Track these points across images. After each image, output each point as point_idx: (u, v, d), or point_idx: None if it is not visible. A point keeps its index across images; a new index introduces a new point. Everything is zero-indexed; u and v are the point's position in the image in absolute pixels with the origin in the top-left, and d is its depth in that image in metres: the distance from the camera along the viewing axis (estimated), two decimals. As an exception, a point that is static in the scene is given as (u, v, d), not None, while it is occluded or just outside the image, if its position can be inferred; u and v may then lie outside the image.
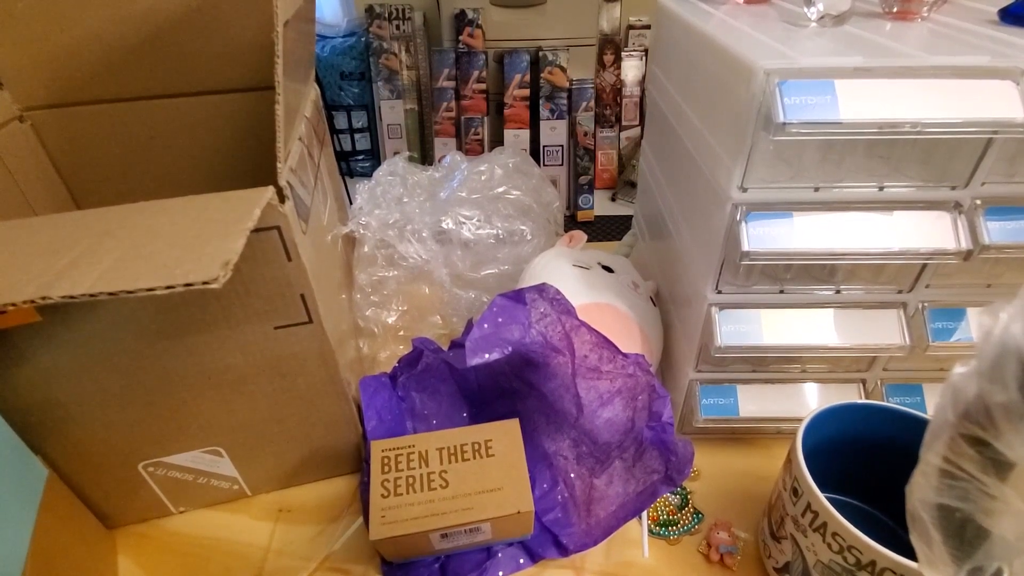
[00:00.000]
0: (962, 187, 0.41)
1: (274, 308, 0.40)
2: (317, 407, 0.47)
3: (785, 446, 0.42)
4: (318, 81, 0.63)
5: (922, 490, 0.28)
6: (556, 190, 0.77)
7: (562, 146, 0.92)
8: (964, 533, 0.27)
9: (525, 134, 0.92)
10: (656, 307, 0.59)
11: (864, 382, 0.51)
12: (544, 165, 0.92)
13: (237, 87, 0.58)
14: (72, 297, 0.27)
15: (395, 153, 0.89)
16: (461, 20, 0.89)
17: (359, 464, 0.53)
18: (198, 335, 0.39)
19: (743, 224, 0.40)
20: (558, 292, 0.47)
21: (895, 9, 0.47)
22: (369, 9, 0.91)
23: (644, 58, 0.96)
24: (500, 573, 0.45)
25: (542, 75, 0.89)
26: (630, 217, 0.85)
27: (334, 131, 0.97)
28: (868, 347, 0.46)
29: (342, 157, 1.00)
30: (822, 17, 0.45)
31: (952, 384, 0.27)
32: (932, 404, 0.50)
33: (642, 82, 0.96)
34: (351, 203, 0.70)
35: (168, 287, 0.27)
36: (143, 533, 0.49)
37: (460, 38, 0.90)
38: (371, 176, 0.73)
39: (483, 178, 0.72)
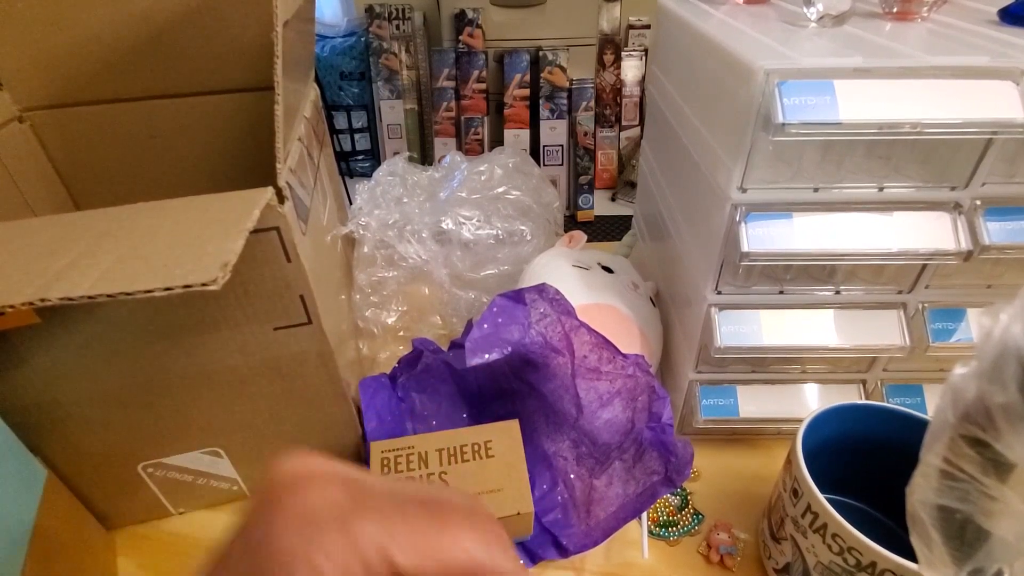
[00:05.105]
0: (962, 187, 0.41)
1: (273, 309, 0.40)
2: (317, 408, 0.47)
3: (785, 447, 0.42)
4: (318, 81, 0.63)
5: (922, 491, 0.28)
6: (556, 190, 0.77)
7: (562, 146, 0.92)
8: (964, 534, 0.27)
9: (525, 134, 0.92)
10: (656, 308, 0.59)
11: (864, 383, 0.51)
12: (544, 165, 0.92)
13: (237, 87, 0.58)
14: (70, 299, 0.27)
15: (395, 153, 0.89)
16: (461, 20, 0.89)
17: (359, 465, 0.52)
18: (197, 336, 0.39)
19: (743, 225, 0.40)
20: (558, 292, 0.47)
21: (895, 9, 0.47)
22: (369, 9, 0.91)
23: (644, 58, 0.96)
24: (500, 574, 0.45)
25: (542, 75, 0.89)
26: (630, 217, 0.85)
27: (334, 131, 0.97)
28: (868, 348, 0.46)
29: (342, 157, 1.00)
30: (822, 17, 0.45)
31: (952, 385, 0.27)
32: (932, 405, 0.50)
33: (642, 82, 0.96)
34: (351, 203, 0.70)
35: (167, 288, 0.27)
36: (143, 534, 0.49)
37: (460, 38, 0.90)
38: (371, 176, 0.73)
39: (483, 178, 0.72)
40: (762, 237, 0.40)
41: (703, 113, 0.47)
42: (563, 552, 0.45)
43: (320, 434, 0.49)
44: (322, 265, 0.47)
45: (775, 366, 0.50)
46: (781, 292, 0.46)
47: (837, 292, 0.46)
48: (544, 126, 0.91)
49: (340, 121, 0.98)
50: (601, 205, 0.95)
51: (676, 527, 0.48)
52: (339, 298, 0.56)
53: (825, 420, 0.41)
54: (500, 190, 0.71)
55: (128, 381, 0.40)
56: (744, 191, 0.40)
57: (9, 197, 0.52)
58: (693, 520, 0.48)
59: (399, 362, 0.54)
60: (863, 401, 0.49)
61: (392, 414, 0.51)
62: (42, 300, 0.27)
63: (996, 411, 0.25)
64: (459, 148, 0.94)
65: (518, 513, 0.42)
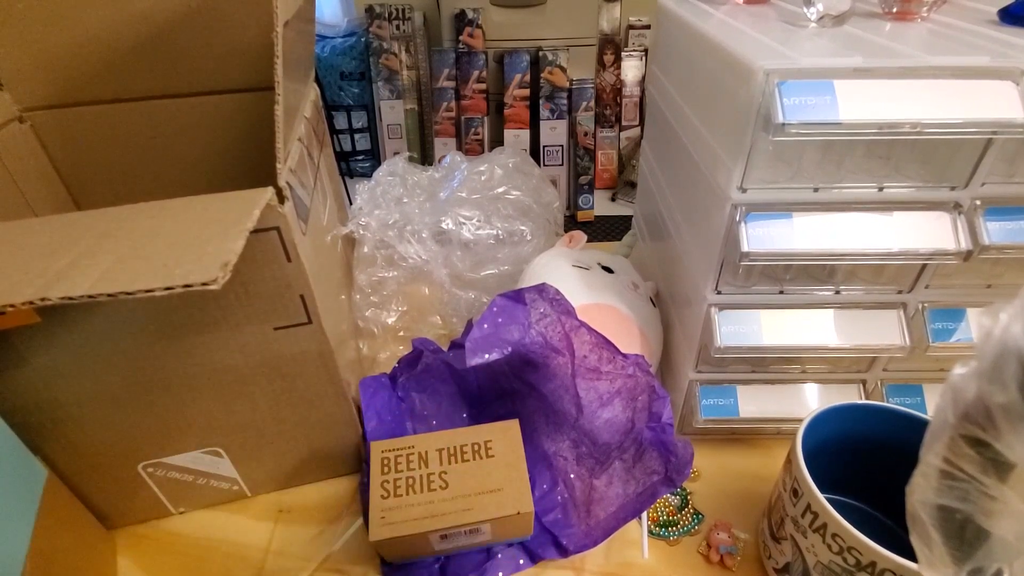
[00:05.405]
0: (962, 187, 0.41)
1: (273, 309, 0.40)
2: (317, 408, 0.47)
3: (785, 447, 0.42)
4: (318, 81, 0.63)
5: (922, 491, 0.28)
6: (556, 190, 0.77)
7: (562, 146, 0.92)
8: (964, 534, 0.27)
9: (525, 134, 0.92)
10: (656, 308, 0.59)
11: (864, 382, 0.51)
12: (544, 165, 0.92)
13: (237, 87, 0.58)
14: (71, 298, 0.27)
15: (395, 153, 0.89)
16: (461, 20, 0.89)
17: (359, 465, 0.53)
18: (197, 336, 0.39)
19: (742, 224, 0.40)
20: (558, 292, 0.47)
21: (895, 9, 0.47)
22: (369, 9, 0.91)
23: (644, 58, 0.96)
24: (500, 574, 0.45)
25: (542, 75, 0.89)
26: (630, 217, 0.85)
27: (334, 131, 0.97)
28: (868, 347, 0.46)
29: (342, 157, 1.00)
30: (822, 17, 0.45)
31: (952, 385, 0.27)
32: (932, 404, 0.50)
33: (642, 82, 0.96)
34: (351, 203, 0.70)
35: (167, 288, 0.27)
36: (143, 534, 0.49)
37: (460, 38, 0.90)
38: (371, 176, 0.73)
39: (483, 178, 0.72)
40: (762, 237, 0.40)
41: (703, 113, 0.47)
42: (563, 552, 0.45)
43: (320, 434, 0.49)
44: (322, 265, 0.47)
45: (775, 366, 0.50)
46: (781, 292, 0.46)
47: (837, 292, 0.46)
48: (544, 126, 0.91)
49: (340, 121, 0.98)
50: (601, 205, 0.95)
51: (676, 527, 0.48)
52: (339, 298, 0.56)
53: (825, 420, 0.41)
54: (500, 190, 0.71)
55: (128, 381, 0.40)
56: (744, 191, 0.40)
57: (9, 197, 0.52)
58: (693, 520, 0.48)
59: (399, 362, 0.54)
60: (863, 401, 0.49)
61: (392, 414, 0.51)
62: (43, 300, 0.27)
63: (996, 411, 0.25)
64: (459, 148, 0.94)
65: (518, 513, 0.42)
